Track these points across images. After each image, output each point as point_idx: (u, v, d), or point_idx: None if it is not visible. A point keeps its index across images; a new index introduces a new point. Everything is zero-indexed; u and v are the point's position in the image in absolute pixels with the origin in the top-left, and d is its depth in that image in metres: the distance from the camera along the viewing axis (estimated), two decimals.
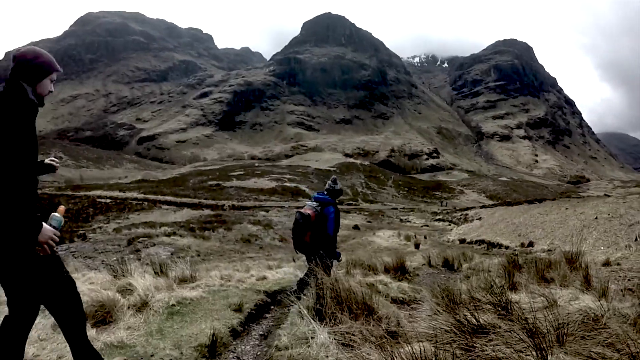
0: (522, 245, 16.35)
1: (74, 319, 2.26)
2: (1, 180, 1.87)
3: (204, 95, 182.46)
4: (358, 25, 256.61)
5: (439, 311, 2.99)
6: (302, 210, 4.71)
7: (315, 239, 4.69)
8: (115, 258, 14.45)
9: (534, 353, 2.01)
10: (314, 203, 4.79)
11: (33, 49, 2.18)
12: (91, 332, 3.11)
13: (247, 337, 3.59)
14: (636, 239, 11.19)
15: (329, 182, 5.00)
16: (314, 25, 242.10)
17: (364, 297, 3.46)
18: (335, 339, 2.67)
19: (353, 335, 2.63)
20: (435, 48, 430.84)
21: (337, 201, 4.96)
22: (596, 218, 15.64)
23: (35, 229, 2.00)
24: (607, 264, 6.67)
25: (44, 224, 2.04)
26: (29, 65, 2.11)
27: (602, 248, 11.17)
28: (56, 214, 2.17)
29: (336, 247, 4.92)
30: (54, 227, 2.10)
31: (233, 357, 3.13)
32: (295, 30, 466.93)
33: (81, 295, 2.72)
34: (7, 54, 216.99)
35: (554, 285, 4.85)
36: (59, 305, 2.21)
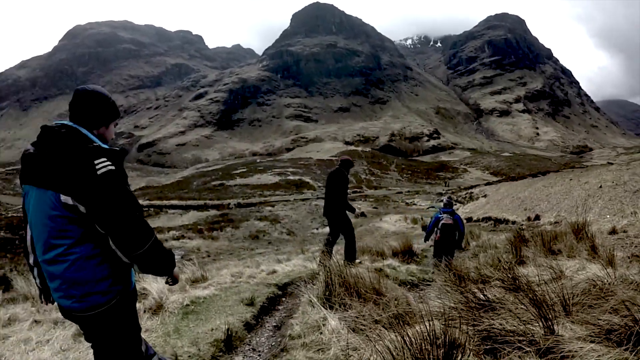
0: (529, 219, 16.38)
1: (353, 240, 5.97)
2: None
3: (200, 96, 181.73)
4: (347, 12, 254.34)
5: (447, 290, 3.04)
6: (444, 222, 6.88)
7: (455, 237, 6.97)
8: None
9: (540, 323, 2.04)
10: (447, 215, 6.92)
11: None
12: None
13: (261, 329, 3.66)
14: None
15: (446, 198, 7.36)
16: (303, 16, 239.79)
17: (372, 282, 3.52)
18: (345, 324, 2.74)
19: (363, 319, 2.69)
20: (426, 28, 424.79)
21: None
22: (600, 187, 15.62)
23: (353, 209, 6.18)
24: (613, 232, 6.68)
25: (355, 208, 6.25)
26: None
27: (608, 216, 11.16)
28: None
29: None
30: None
31: (249, 349, 3.20)
32: (284, 23, 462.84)
33: None
34: None
35: (561, 256, 4.88)
36: (350, 234, 5.94)
